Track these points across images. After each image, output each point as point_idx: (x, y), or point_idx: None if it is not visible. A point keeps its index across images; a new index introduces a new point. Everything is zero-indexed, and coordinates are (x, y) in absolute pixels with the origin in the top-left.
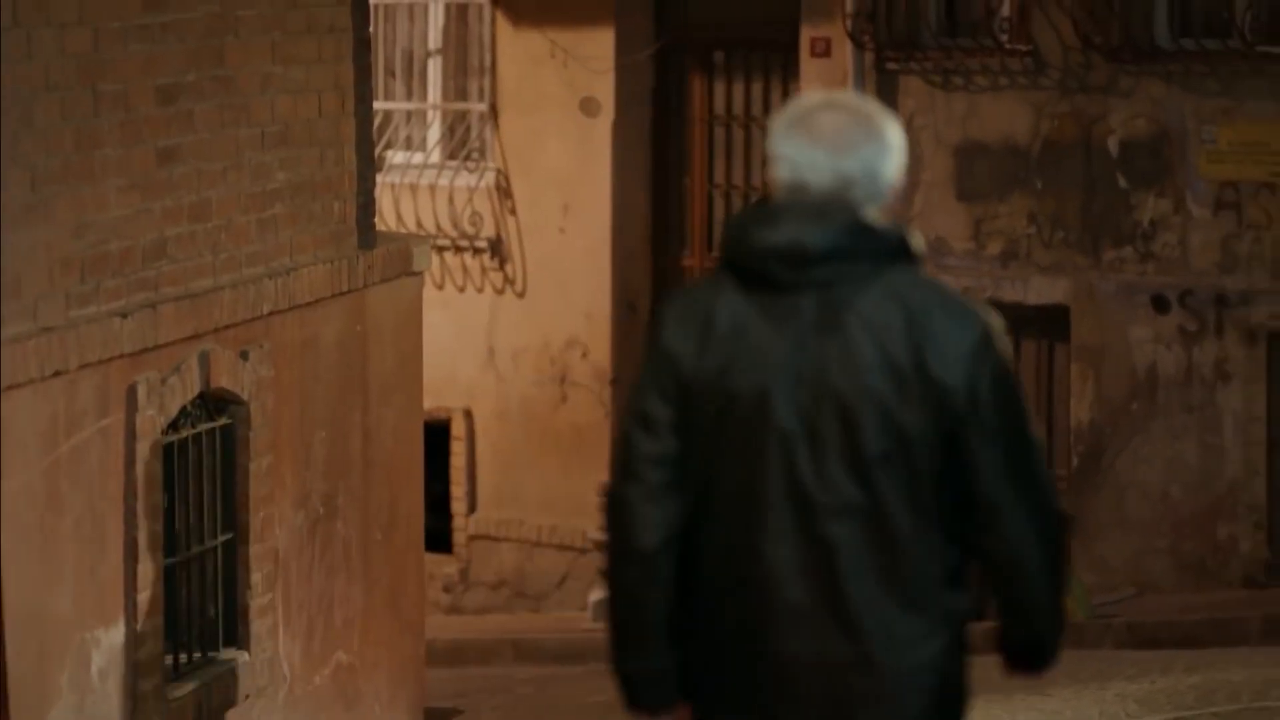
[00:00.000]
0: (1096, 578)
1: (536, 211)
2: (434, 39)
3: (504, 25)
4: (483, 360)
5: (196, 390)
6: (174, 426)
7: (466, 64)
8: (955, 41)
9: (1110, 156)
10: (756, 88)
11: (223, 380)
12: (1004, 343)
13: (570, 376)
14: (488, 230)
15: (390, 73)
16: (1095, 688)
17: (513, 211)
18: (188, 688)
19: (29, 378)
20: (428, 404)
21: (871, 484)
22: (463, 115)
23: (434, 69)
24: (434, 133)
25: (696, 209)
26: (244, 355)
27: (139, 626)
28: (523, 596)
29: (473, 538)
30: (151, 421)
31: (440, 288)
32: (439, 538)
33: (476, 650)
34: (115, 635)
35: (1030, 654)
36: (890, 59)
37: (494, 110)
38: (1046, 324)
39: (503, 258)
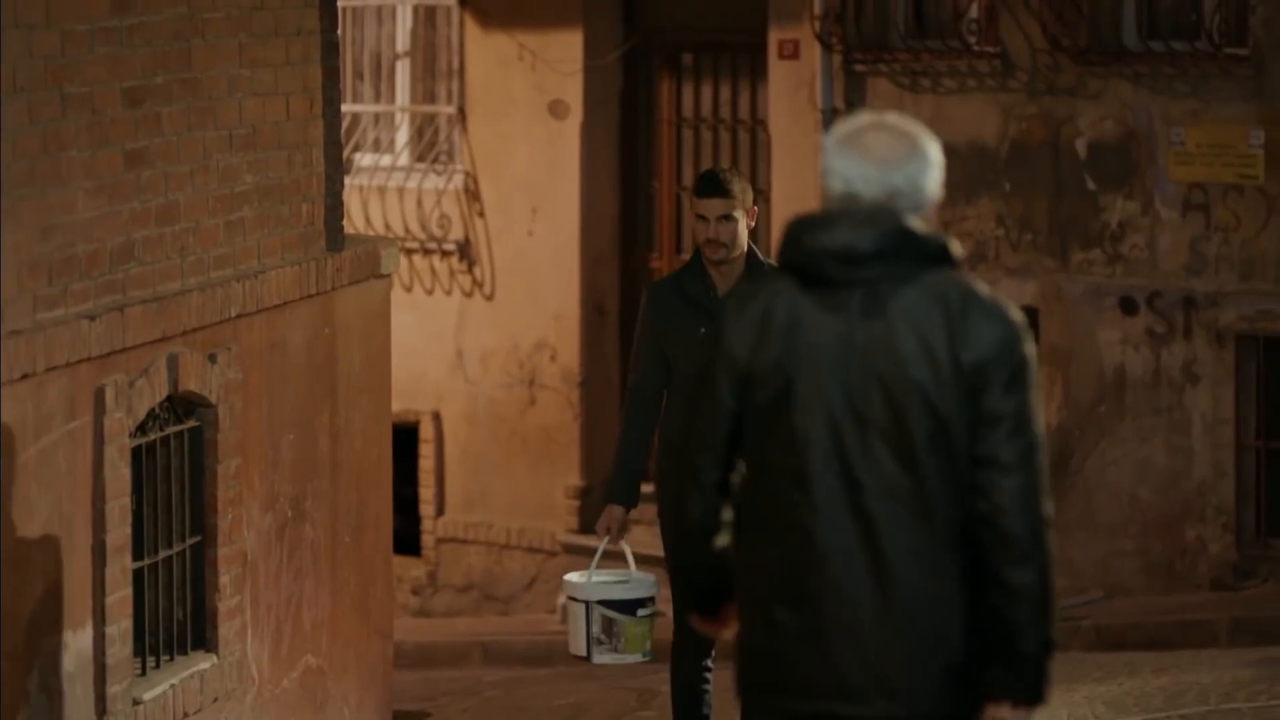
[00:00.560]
0: (1065, 580)
1: (505, 214)
2: (402, 41)
3: (472, 28)
4: (451, 363)
5: (164, 393)
6: (142, 429)
7: (435, 66)
8: (923, 43)
9: (1078, 158)
10: (724, 90)
11: (191, 383)
12: (1030, 343)
13: (539, 379)
14: (456, 233)
15: (358, 75)
16: (1063, 690)
17: (481, 214)
18: (156, 691)
19: None
20: (396, 406)
21: (914, 466)
22: (431, 118)
23: (402, 71)
24: (402, 135)
25: (665, 211)
26: (212, 358)
27: (107, 630)
28: (491, 599)
29: (441, 540)
30: (119, 424)
31: (409, 290)
32: (407, 540)
33: (445, 653)
34: (84, 639)
35: (1009, 652)
36: (858, 61)
37: (462, 113)
38: None
39: (471, 260)
